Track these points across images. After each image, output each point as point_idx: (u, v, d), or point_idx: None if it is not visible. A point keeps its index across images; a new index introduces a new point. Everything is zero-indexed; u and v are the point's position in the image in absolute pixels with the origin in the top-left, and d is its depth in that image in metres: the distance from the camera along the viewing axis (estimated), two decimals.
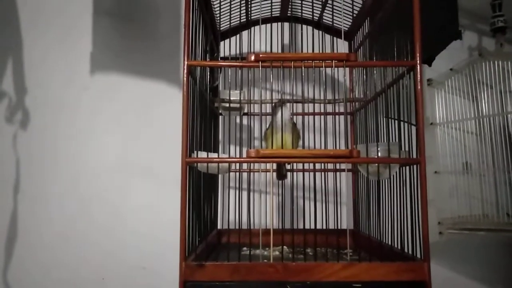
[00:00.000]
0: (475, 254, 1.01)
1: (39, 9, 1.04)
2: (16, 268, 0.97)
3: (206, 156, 0.60)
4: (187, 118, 0.57)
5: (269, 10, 0.87)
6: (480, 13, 1.02)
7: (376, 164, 0.59)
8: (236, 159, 0.59)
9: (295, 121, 0.71)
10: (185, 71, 0.57)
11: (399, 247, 0.59)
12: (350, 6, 0.80)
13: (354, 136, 0.88)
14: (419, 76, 0.56)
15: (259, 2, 0.80)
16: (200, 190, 0.63)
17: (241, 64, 0.59)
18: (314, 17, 0.85)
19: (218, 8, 0.79)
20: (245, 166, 0.81)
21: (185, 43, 0.58)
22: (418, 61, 0.56)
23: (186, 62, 0.58)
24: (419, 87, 0.56)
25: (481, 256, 1.01)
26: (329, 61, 0.57)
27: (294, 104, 0.73)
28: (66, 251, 0.98)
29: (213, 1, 0.77)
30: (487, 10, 0.93)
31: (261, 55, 0.57)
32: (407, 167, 0.59)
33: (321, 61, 0.57)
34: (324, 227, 0.63)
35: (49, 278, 0.97)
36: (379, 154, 0.59)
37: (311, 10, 0.85)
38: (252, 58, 0.57)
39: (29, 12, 1.03)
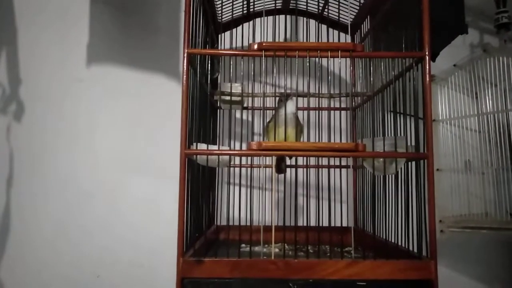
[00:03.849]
0: (475, 253, 1.00)
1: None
2: (9, 265, 0.95)
3: (206, 148, 0.58)
4: (187, 108, 0.55)
5: (272, 2, 0.85)
6: (482, 9, 1.01)
7: (382, 159, 0.57)
8: (237, 151, 0.57)
9: (298, 115, 0.69)
10: (185, 59, 0.55)
11: (404, 245, 0.58)
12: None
13: (356, 131, 0.86)
14: (427, 68, 0.54)
15: None
16: (199, 184, 0.61)
17: (243, 53, 0.57)
18: (318, 9, 0.83)
19: None
20: (245, 161, 0.79)
21: (185, 30, 0.56)
22: (426, 53, 0.54)
23: (186, 50, 0.55)
24: (427, 79, 0.54)
25: (481, 255, 1.00)
26: (335, 51, 0.55)
27: (297, 98, 0.71)
28: (61, 247, 0.96)
29: None
30: (489, 7, 0.92)
31: (264, 44, 0.55)
32: (413, 163, 0.57)
33: (326, 51, 0.55)
34: (326, 225, 0.61)
35: (43, 275, 0.95)
36: (385, 149, 0.57)
37: (313, 2, 0.84)
38: (255, 47, 0.55)
39: (25, 2, 1.01)
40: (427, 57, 0.55)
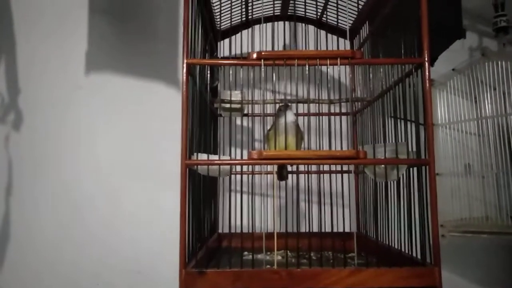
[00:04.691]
0: (475, 257, 0.99)
1: (33, 7, 1.01)
2: (8, 273, 0.95)
3: (206, 158, 0.58)
4: (187, 118, 0.55)
5: (270, 9, 0.85)
6: (480, 13, 1.01)
7: (383, 166, 0.57)
8: (238, 161, 0.57)
9: (298, 123, 0.69)
10: (185, 69, 0.55)
11: (407, 251, 0.57)
12: (352, 4, 0.79)
13: (357, 137, 0.86)
14: (427, 73, 0.54)
15: (260, 0, 0.78)
16: (200, 193, 0.61)
17: (242, 62, 0.57)
18: (317, 15, 0.83)
19: (218, 7, 0.77)
20: (246, 168, 0.79)
21: (184, 40, 0.56)
22: (426, 58, 0.54)
23: (185, 61, 0.55)
24: (427, 85, 0.54)
25: (482, 259, 1.00)
26: (334, 59, 0.55)
27: (297, 104, 0.71)
28: (63, 251, 0.95)
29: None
30: (488, 10, 0.92)
31: (263, 53, 0.55)
32: (414, 169, 0.57)
33: (325, 59, 0.55)
34: (328, 231, 0.61)
35: (45, 278, 0.95)
36: (386, 155, 0.56)
37: (312, 8, 0.84)
38: (254, 56, 0.55)
39: (23, 10, 1.01)
40: (426, 63, 0.55)
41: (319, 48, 0.80)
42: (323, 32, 0.85)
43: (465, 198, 0.86)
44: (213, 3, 0.76)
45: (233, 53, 0.79)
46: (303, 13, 0.86)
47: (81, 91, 1.00)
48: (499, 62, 0.85)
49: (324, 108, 0.81)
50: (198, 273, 0.52)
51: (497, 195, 0.84)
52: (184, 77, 0.55)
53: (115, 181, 0.98)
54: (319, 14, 0.84)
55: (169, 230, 0.91)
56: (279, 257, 0.66)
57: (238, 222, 0.60)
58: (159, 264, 0.95)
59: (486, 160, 0.86)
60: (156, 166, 0.98)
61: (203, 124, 0.65)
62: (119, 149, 0.99)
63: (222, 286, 0.51)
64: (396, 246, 0.62)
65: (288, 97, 0.74)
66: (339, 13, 0.80)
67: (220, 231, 0.84)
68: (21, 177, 0.97)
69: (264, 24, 0.81)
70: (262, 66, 0.55)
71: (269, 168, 0.75)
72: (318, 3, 0.81)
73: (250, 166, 0.77)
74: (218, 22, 0.83)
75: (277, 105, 0.71)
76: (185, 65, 0.55)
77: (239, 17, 0.83)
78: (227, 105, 0.74)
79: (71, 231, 0.96)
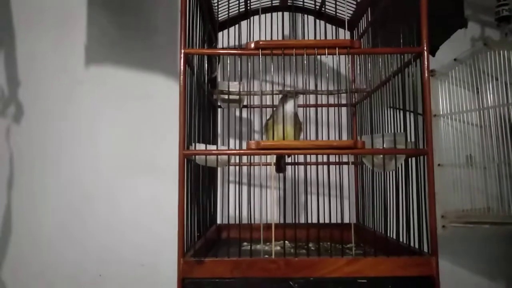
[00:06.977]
0: (477, 248, 0.99)
1: (32, 1, 1.01)
2: (11, 266, 0.96)
3: (204, 148, 0.58)
4: (185, 108, 0.55)
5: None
6: (482, 2, 1.00)
7: (381, 156, 0.57)
8: (235, 151, 0.57)
9: (297, 112, 0.69)
10: (182, 59, 0.55)
11: (405, 241, 0.57)
12: None
13: (356, 128, 0.86)
14: (426, 63, 0.54)
15: None
16: (198, 184, 0.61)
17: (240, 52, 0.56)
18: (316, 6, 0.82)
19: None
20: (245, 159, 0.79)
21: (181, 30, 0.56)
22: (425, 48, 0.54)
23: (183, 50, 0.55)
24: (426, 75, 0.54)
25: (484, 250, 0.99)
26: (332, 49, 0.55)
27: (296, 95, 0.71)
28: (64, 248, 0.96)
29: None
30: (490, 0, 0.91)
31: (261, 42, 0.54)
32: (413, 159, 0.57)
33: (324, 48, 0.55)
34: (327, 221, 0.61)
35: (46, 276, 0.95)
36: (385, 145, 0.56)
37: None
38: (252, 45, 0.55)
39: (22, 4, 1.01)
40: (425, 52, 0.54)
41: (320, 38, 0.80)
42: (322, 24, 0.84)
43: (467, 189, 0.86)
44: None
45: (232, 44, 0.79)
46: (304, 3, 0.85)
47: (81, 84, 1.00)
48: (501, 52, 0.84)
49: (325, 99, 0.81)
50: (196, 262, 0.52)
51: (499, 186, 0.83)
52: (182, 67, 0.55)
53: (116, 173, 0.98)
54: (318, 4, 0.83)
55: (170, 224, 0.92)
56: (278, 247, 0.66)
57: (237, 213, 0.60)
58: (162, 257, 0.96)
59: (488, 151, 0.85)
60: (157, 159, 0.99)
61: (201, 115, 0.65)
62: (120, 142, 0.99)
63: (220, 275, 0.52)
64: (394, 237, 0.62)
65: (287, 88, 0.74)
66: (339, 3, 0.79)
67: (219, 222, 0.84)
68: (23, 170, 0.98)
69: (263, 15, 0.80)
70: (260, 56, 0.55)
71: (268, 159, 0.76)
72: None
73: (249, 157, 0.77)
74: (217, 13, 0.82)
75: (275, 96, 0.71)
76: (182, 55, 0.55)
77: (238, 8, 0.83)
78: (226, 96, 0.74)
79: (72, 224, 0.97)
